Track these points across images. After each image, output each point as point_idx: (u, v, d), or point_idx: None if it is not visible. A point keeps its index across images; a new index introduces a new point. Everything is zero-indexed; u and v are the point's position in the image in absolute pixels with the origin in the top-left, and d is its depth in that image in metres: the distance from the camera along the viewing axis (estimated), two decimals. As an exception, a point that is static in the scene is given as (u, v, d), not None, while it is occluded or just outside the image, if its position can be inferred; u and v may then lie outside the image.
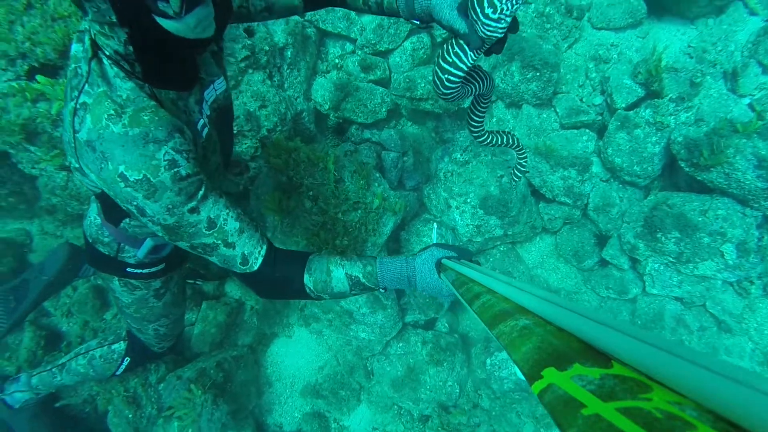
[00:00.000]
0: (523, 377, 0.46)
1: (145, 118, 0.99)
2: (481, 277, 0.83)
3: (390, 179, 2.83)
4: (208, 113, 1.27)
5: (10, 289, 2.19)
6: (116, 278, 1.65)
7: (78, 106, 1.00)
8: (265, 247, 1.23)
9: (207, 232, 1.12)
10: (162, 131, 1.01)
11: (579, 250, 2.85)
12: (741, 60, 2.87)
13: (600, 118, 2.93)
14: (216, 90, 1.31)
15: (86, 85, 1.00)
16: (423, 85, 2.70)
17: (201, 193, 1.09)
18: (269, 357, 2.98)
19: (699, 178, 2.51)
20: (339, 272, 1.25)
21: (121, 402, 2.59)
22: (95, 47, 1.00)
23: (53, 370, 2.12)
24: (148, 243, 1.51)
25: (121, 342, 2.13)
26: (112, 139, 0.97)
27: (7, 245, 2.60)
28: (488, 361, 2.66)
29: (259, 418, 2.84)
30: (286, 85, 2.74)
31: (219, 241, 1.15)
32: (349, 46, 2.97)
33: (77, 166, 1.09)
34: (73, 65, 1.04)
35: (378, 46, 2.87)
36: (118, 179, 0.99)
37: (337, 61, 2.94)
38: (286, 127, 2.65)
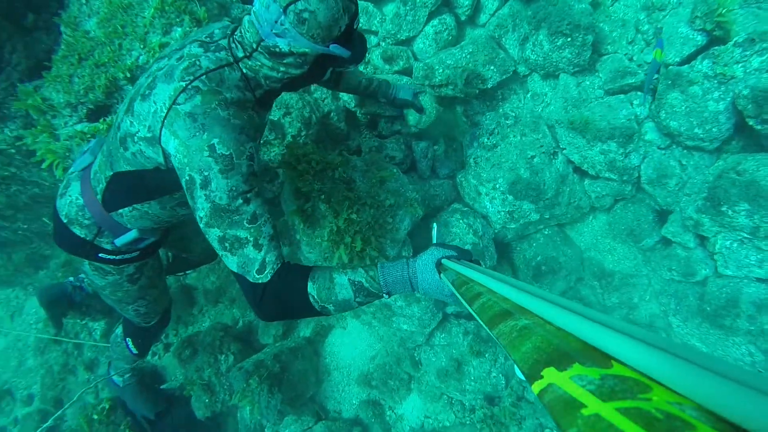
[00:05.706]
0: (523, 377, 0.46)
1: (245, 116, 1.28)
2: (480, 277, 0.83)
3: (421, 169, 2.79)
4: None
5: None
6: (87, 262, 1.65)
7: (190, 86, 1.22)
8: (281, 263, 1.27)
9: (247, 225, 1.22)
10: (252, 132, 1.29)
11: (635, 228, 2.54)
12: None
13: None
14: None
15: (204, 77, 1.25)
16: (441, 71, 2.59)
17: (256, 190, 1.27)
18: (327, 347, 3.16)
19: (770, 137, 2.08)
20: (342, 278, 1.26)
21: (198, 389, 2.98)
22: (237, 61, 1.33)
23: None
24: (132, 234, 1.53)
25: (119, 325, 2.23)
26: (217, 118, 1.21)
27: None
28: (531, 352, 2.53)
29: (320, 404, 3.04)
30: (312, 88, 2.82)
31: (252, 238, 1.22)
32: (373, 39, 2.95)
33: (148, 135, 1.26)
34: (186, 59, 1.28)
35: (398, 36, 2.81)
36: (206, 148, 1.18)
37: (362, 56, 2.94)
38: (312, 130, 2.74)
